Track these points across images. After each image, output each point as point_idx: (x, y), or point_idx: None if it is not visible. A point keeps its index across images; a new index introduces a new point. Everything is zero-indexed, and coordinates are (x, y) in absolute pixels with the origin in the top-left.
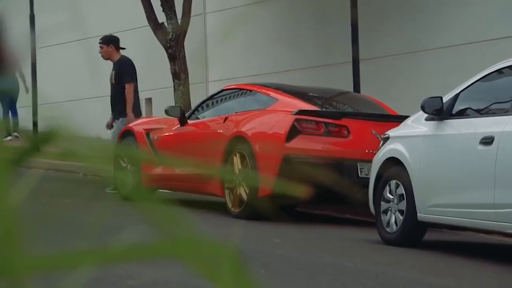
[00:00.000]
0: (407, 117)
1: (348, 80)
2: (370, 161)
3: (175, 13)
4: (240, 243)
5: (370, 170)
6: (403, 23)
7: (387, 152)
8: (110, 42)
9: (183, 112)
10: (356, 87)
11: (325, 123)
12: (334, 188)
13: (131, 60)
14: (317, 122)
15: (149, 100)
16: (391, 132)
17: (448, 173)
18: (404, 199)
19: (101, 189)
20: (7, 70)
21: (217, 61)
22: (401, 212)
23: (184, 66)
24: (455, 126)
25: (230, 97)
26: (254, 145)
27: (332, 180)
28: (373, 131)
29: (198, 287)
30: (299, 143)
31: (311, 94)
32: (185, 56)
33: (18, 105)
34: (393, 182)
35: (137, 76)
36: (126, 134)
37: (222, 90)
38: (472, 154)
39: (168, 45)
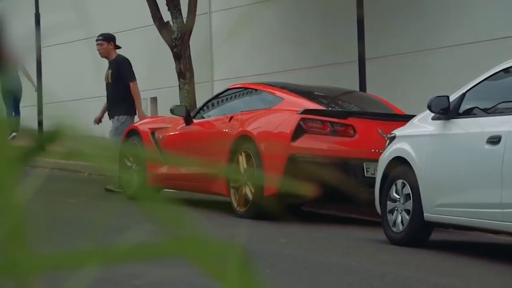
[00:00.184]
0: (413, 116)
1: (354, 79)
2: (376, 161)
3: (181, 12)
4: (246, 243)
5: (376, 170)
6: (410, 22)
7: (393, 151)
8: (111, 39)
9: (188, 111)
10: (362, 86)
11: (331, 123)
12: (340, 188)
13: (128, 59)
14: (323, 122)
15: (154, 99)
16: (397, 132)
17: (455, 173)
18: (410, 198)
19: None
20: (8, 69)
21: (223, 60)
22: (407, 211)
23: (190, 65)
24: (462, 126)
25: (235, 96)
26: (260, 145)
27: (338, 179)
28: (379, 131)
29: (204, 286)
30: (304, 142)
31: (316, 93)
32: (190, 55)
33: (23, 104)
34: (399, 182)
35: (142, 76)
36: (131, 134)
37: (228, 89)
38: (479, 153)
39: (173, 44)
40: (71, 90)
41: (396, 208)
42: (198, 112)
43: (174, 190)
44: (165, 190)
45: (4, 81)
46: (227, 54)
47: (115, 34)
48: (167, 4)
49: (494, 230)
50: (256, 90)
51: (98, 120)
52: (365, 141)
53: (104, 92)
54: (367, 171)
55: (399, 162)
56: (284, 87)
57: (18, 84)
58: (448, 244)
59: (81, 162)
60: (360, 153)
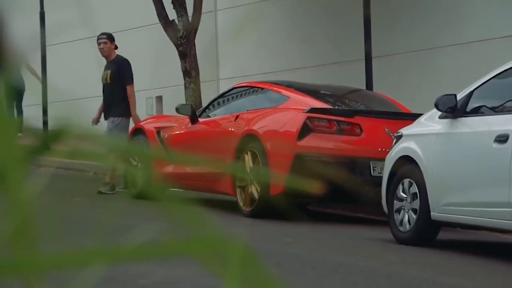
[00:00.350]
0: (420, 115)
1: (360, 77)
2: (383, 160)
3: (186, 10)
4: (251, 242)
5: (383, 169)
6: (417, 20)
7: (400, 150)
8: (113, 39)
9: (194, 110)
10: (369, 85)
11: (337, 121)
12: (347, 187)
13: (128, 60)
14: (329, 120)
15: (159, 98)
16: (404, 130)
17: (462, 172)
18: (417, 197)
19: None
20: (9, 67)
21: (228, 59)
22: (414, 211)
23: (195, 63)
24: (469, 124)
25: (241, 95)
26: (266, 143)
27: (344, 178)
28: (386, 129)
29: (210, 286)
30: (311, 141)
31: (323, 92)
32: (196, 54)
33: (28, 103)
34: (406, 181)
35: (148, 74)
36: (137, 133)
37: (233, 88)
38: (486, 152)
39: (179, 42)
40: (76, 89)
41: (403, 207)
42: (204, 111)
43: (180, 190)
44: (171, 189)
45: (8, 80)
46: (233, 53)
47: (120, 33)
48: (172, 3)
49: (502, 230)
50: (262, 88)
51: (96, 121)
52: (372, 140)
53: None
54: (373, 170)
55: (406, 161)
56: (290, 85)
57: (21, 82)
58: (455, 244)
59: (86, 161)
60: (366, 152)
